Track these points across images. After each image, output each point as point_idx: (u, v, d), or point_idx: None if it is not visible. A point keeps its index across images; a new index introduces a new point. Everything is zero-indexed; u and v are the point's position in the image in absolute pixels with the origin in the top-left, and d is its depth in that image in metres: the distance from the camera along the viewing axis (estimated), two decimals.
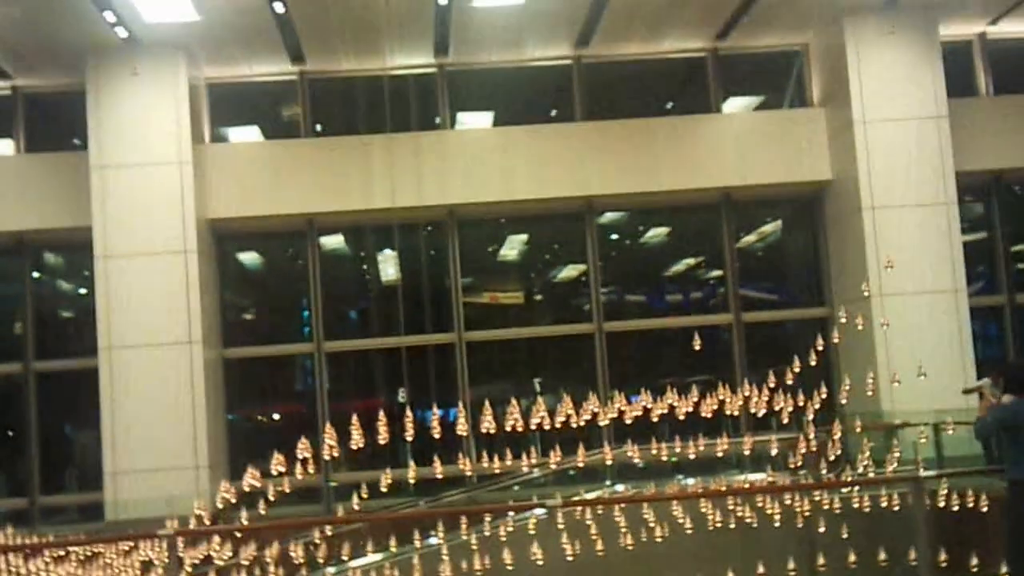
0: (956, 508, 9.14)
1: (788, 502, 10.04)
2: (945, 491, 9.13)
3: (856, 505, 9.78)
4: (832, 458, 9.84)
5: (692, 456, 10.46)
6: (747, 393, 9.16)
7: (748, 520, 10.15)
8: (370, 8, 14.38)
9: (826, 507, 9.92)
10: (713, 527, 10.12)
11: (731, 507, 10.26)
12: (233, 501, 9.07)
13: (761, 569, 9.27)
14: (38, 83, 16.24)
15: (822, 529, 10.00)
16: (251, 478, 8.35)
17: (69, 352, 16.21)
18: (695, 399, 9.20)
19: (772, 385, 9.19)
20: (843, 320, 10.58)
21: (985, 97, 17.15)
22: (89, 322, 15.03)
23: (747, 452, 10.31)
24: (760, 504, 10.17)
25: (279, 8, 14.05)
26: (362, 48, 15.78)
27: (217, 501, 8.45)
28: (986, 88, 17.18)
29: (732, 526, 10.17)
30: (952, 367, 14.96)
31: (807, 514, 10.12)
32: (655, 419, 9.24)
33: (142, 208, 14.85)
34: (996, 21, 16.74)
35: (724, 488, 11.78)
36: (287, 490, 8.80)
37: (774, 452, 10.63)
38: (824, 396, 9.34)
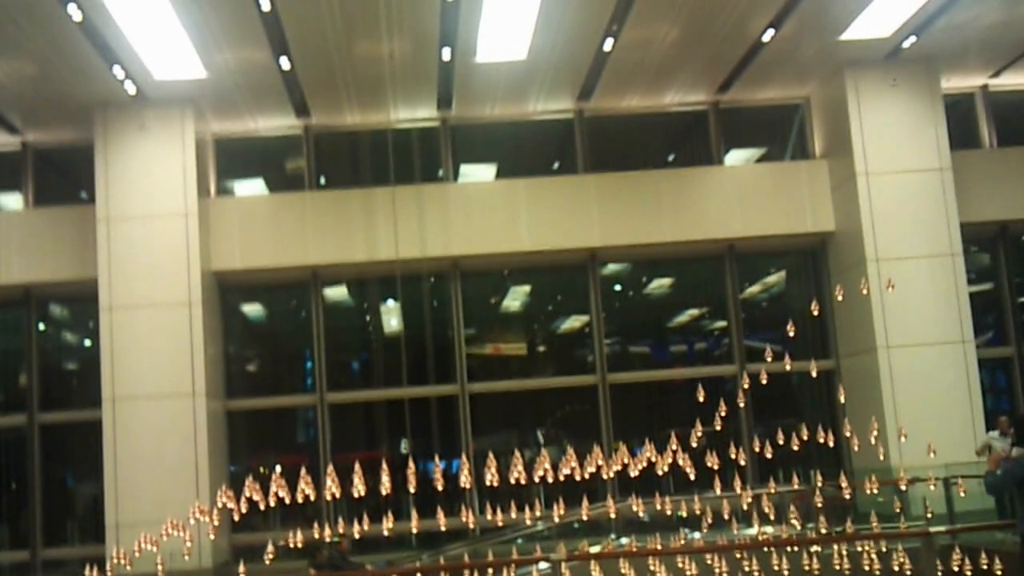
0: (969, 571, 8.98)
1: (794, 552, 9.88)
2: (958, 553, 8.98)
3: (867, 567, 9.61)
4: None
5: (697, 510, 10.33)
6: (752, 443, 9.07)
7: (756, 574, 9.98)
8: (374, 64, 14.55)
9: (836, 567, 9.75)
10: None
11: (738, 557, 10.11)
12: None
13: None
14: (47, 138, 16.43)
15: None
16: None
17: (73, 403, 16.25)
18: (700, 450, 9.10)
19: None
20: (842, 375, 10.46)
21: (988, 149, 17.22)
22: (93, 373, 15.05)
23: (749, 505, 10.16)
24: (767, 553, 10.01)
25: (285, 65, 14.21)
26: (366, 102, 15.93)
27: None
28: (989, 140, 17.25)
29: None
30: (961, 419, 14.90)
31: (816, 571, 9.94)
32: (660, 472, 9.14)
33: (147, 260, 14.95)
34: (998, 73, 16.86)
35: (729, 542, 11.61)
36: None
37: (781, 505, 10.48)
38: (832, 441, 9.24)
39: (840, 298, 10.52)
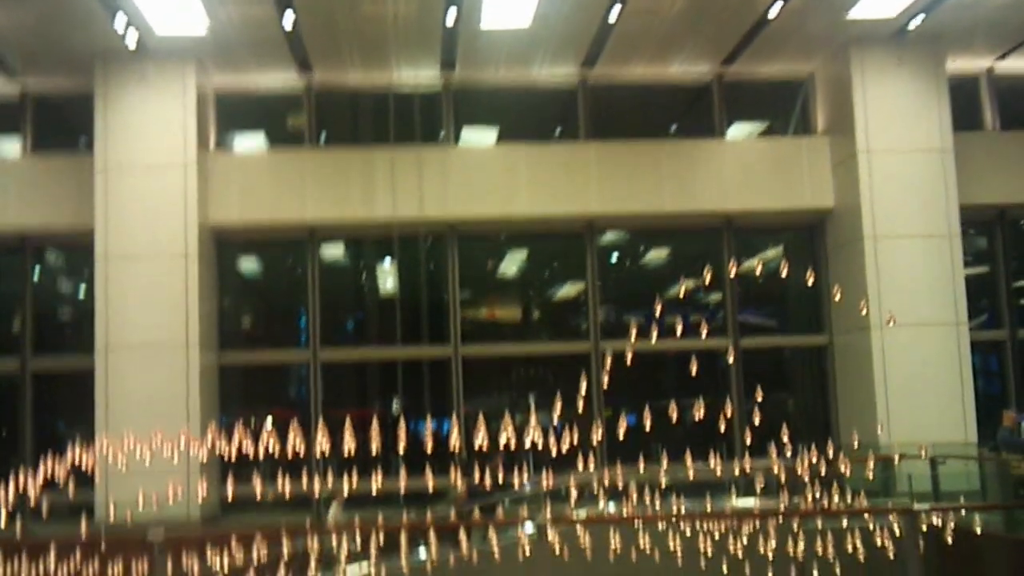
0: (951, 542, 9.06)
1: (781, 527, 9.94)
2: (938, 522, 9.06)
3: (850, 546, 9.67)
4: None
5: (685, 479, 10.38)
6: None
7: (743, 544, 10.05)
8: (378, 23, 14.45)
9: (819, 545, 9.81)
10: (705, 552, 10.03)
11: (725, 528, 10.17)
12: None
13: None
14: (47, 85, 16.33)
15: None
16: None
17: (66, 351, 16.26)
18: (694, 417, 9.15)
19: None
20: (835, 352, 10.43)
21: (991, 132, 17.18)
22: (87, 322, 15.07)
23: (742, 476, 10.23)
24: (752, 529, 10.08)
25: (288, 20, 14.11)
26: (369, 62, 15.84)
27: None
28: (992, 123, 17.21)
29: (729, 551, 10.07)
30: (951, 400, 14.97)
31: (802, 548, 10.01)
32: (648, 432, 9.16)
33: (145, 211, 14.92)
34: (1004, 56, 16.79)
35: (715, 512, 11.69)
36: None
37: (768, 477, 10.54)
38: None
39: (838, 298, 10.55)
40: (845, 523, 9.85)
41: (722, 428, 9.22)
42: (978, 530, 9.61)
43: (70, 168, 15.81)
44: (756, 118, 17.64)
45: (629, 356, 8.23)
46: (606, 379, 8.66)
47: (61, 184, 15.78)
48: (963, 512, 10.44)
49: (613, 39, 15.15)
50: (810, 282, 9.93)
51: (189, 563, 9.37)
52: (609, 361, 8.55)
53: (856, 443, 10.17)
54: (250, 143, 17.42)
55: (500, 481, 9.33)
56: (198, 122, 15.23)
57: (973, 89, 17.22)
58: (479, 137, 17.57)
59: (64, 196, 15.68)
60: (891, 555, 9.20)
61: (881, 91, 15.62)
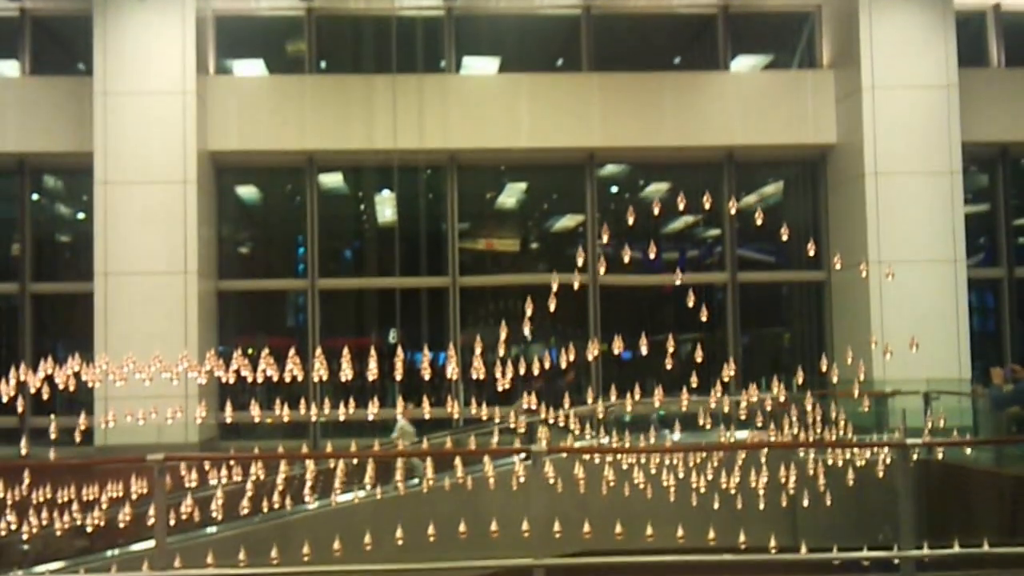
0: (942, 476, 9.17)
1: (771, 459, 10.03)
2: (920, 455, 9.16)
3: (841, 468, 9.77)
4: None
5: (679, 410, 10.45)
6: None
7: (735, 475, 10.16)
8: None
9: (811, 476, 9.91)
10: (697, 487, 10.14)
11: (715, 462, 10.27)
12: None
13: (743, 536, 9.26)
14: (45, 5, 16.14)
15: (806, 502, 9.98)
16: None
17: (65, 275, 16.28)
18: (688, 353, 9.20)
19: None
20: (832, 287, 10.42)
21: (996, 68, 17.00)
22: (86, 246, 15.06)
23: (735, 408, 10.30)
24: (744, 458, 10.18)
25: None
26: None
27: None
28: (998, 59, 17.03)
29: (722, 484, 10.18)
30: (946, 337, 14.99)
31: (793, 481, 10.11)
32: (645, 358, 9.20)
33: (144, 136, 14.85)
34: None
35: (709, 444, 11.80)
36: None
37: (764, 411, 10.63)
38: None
39: (839, 266, 10.47)
40: (837, 455, 9.95)
41: (717, 361, 9.28)
42: (969, 462, 9.72)
43: (69, 90, 15.68)
44: (761, 51, 17.45)
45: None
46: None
47: (60, 107, 15.67)
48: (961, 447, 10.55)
49: None
50: (811, 252, 9.97)
51: (187, 484, 9.49)
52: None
53: (852, 361, 10.19)
54: (250, 68, 17.26)
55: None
56: (198, 46, 15.08)
57: (979, 25, 17.02)
58: (481, 66, 17.41)
59: (63, 119, 15.58)
60: (882, 488, 9.31)
61: (888, 25, 15.44)
